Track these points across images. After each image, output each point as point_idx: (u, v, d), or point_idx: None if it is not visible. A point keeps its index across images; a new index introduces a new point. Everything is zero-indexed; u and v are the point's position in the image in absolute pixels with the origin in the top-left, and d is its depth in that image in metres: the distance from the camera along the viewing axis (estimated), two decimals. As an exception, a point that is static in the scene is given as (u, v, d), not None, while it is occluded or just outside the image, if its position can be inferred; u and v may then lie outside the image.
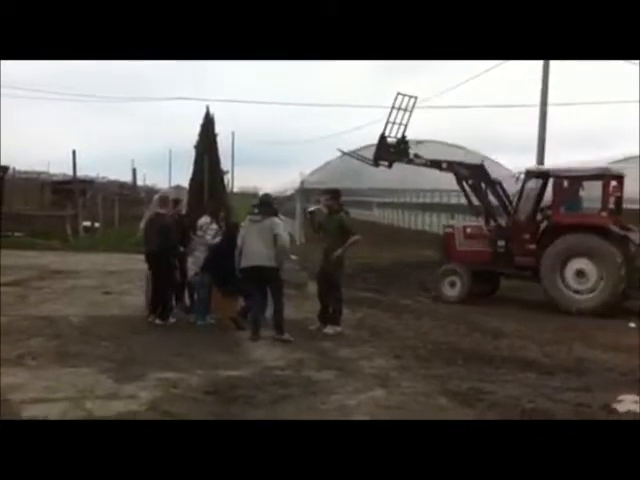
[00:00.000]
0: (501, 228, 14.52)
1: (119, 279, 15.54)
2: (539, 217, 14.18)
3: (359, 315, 11.93)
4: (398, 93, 14.99)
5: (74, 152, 28.65)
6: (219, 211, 11.95)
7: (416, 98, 15.06)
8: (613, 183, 13.70)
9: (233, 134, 58.03)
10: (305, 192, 28.64)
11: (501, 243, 14.30)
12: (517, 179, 14.54)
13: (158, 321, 10.69)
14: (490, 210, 14.99)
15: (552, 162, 25.31)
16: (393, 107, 15.03)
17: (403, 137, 15.21)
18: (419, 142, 32.56)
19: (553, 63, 24.07)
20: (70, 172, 29.62)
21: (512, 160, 31.54)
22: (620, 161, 32.85)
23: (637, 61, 19.34)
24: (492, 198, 15.14)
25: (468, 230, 15.10)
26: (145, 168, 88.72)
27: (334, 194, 10.79)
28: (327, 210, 10.78)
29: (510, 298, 14.71)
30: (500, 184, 15.13)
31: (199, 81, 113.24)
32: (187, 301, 11.68)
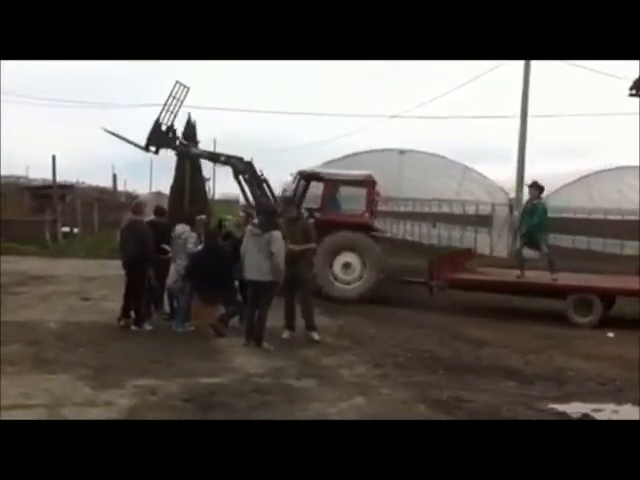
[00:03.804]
0: None
1: (98, 285, 15.41)
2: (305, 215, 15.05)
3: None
4: (177, 82, 15.57)
5: (54, 157, 28.44)
6: (194, 219, 11.87)
7: (188, 88, 15.67)
8: (375, 189, 15.47)
9: (215, 141, 57.84)
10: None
11: None
12: (294, 179, 15.68)
13: (134, 327, 10.61)
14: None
15: (532, 171, 25.53)
16: (171, 95, 15.57)
17: (172, 125, 15.75)
18: (402, 152, 32.74)
19: (534, 75, 24.32)
20: (50, 177, 29.37)
21: (493, 170, 31.83)
22: (603, 171, 33.27)
23: (619, 75, 19.56)
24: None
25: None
26: (126, 174, 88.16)
27: (287, 202, 11.37)
28: (287, 220, 10.75)
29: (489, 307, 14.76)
30: (266, 182, 16.02)
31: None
32: (167, 308, 11.62)
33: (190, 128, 26.88)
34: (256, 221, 10.06)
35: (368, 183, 15.45)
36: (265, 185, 15.96)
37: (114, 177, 46.05)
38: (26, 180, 49.55)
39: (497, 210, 27.87)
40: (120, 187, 52.40)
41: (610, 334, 11.89)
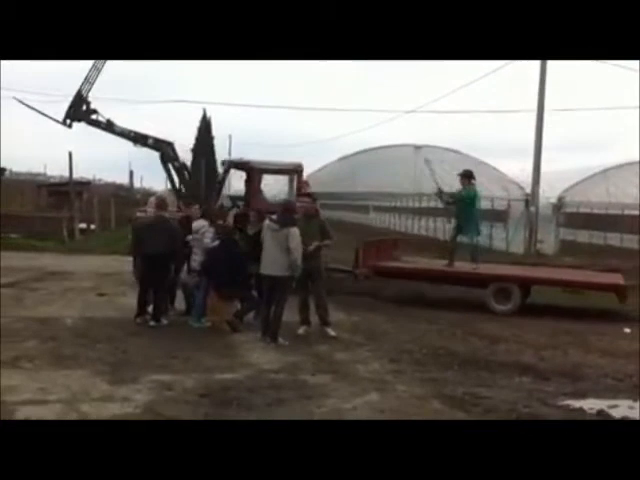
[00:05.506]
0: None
1: (114, 281, 15.50)
2: (229, 204, 14.76)
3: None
4: None
5: (70, 154, 28.62)
6: (213, 213, 11.92)
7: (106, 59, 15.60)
8: (302, 178, 15.28)
9: (230, 137, 57.98)
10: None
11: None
12: (223, 168, 15.49)
13: (152, 323, 10.67)
14: (187, 193, 15.69)
15: (549, 166, 25.39)
16: (94, 66, 15.66)
17: (85, 97, 15.82)
18: (417, 147, 32.64)
19: (550, 69, 24.19)
20: (67, 174, 29.55)
21: (509, 165, 31.71)
22: (620, 166, 33.00)
23: (636, 68, 19.48)
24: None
25: None
26: (142, 170, 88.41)
27: (310, 197, 11.16)
28: (303, 215, 10.64)
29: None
30: (186, 167, 16.11)
31: (197, 84, 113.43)
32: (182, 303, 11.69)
33: (205, 124, 27.01)
34: (274, 216, 10.04)
35: (295, 172, 15.23)
36: (185, 171, 16.08)
37: (131, 174, 46.46)
38: (44, 177, 49.97)
39: (513, 205, 27.74)
40: (136, 184, 52.74)
41: (627, 329, 11.84)
